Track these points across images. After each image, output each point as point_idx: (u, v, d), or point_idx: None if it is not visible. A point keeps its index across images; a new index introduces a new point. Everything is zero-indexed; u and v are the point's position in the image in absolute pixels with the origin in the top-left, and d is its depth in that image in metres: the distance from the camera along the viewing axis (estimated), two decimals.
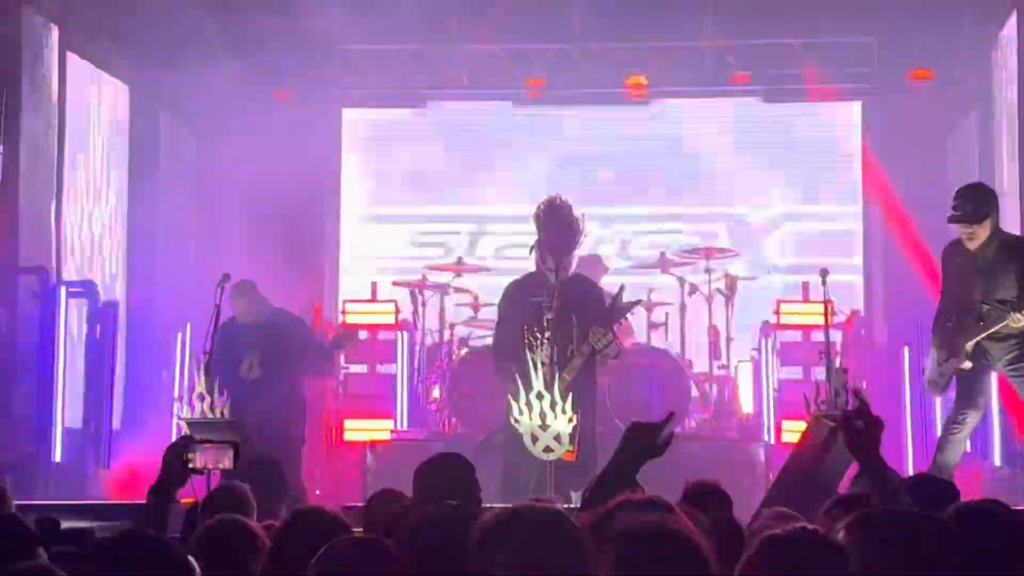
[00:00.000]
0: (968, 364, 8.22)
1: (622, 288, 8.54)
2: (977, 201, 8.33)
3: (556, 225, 8.63)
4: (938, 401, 11.18)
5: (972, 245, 8.28)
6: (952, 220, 8.34)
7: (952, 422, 8.35)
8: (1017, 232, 9.73)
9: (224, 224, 13.25)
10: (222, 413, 7.68)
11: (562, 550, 3.01)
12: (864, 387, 11.44)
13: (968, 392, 8.29)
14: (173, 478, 4.54)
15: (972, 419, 8.36)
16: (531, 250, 8.89)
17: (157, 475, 4.60)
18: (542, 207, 8.77)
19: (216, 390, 7.69)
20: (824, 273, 8.84)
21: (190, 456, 4.52)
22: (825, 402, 7.42)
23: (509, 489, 8.26)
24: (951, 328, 8.29)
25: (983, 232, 8.23)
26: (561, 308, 8.35)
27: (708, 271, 12.22)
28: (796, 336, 12.40)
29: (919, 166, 13.38)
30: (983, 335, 8.15)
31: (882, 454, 4.42)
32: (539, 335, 8.21)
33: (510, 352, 8.51)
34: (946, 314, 8.45)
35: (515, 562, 2.97)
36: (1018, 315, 7.99)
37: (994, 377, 8.57)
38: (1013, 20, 11.88)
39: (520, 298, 8.80)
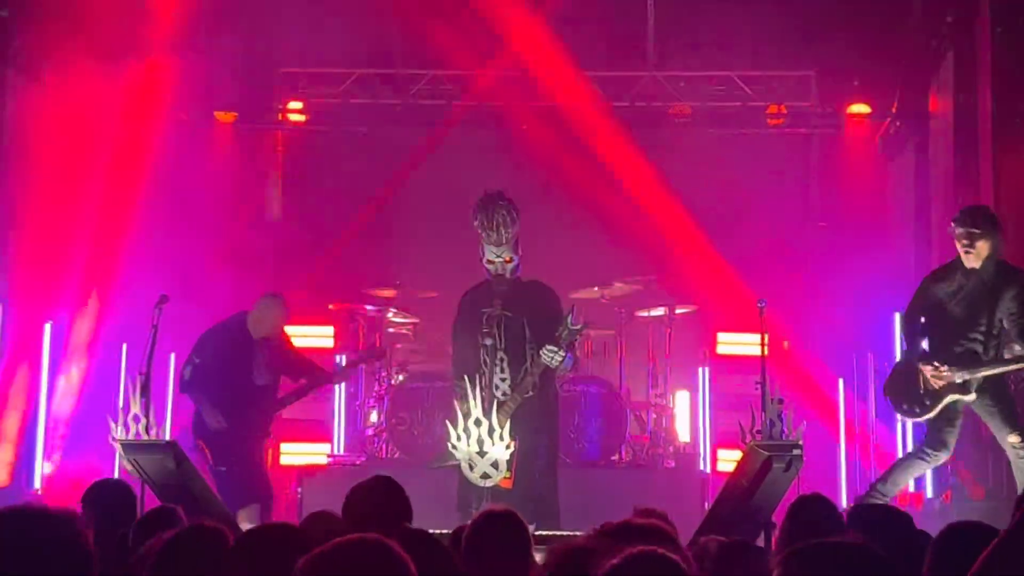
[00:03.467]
0: (972, 396, 8.18)
1: (572, 308, 8.33)
2: (977, 216, 8.33)
3: (488, 215, 8.37)
4: (872, 432, 11.31)
5: (969, 261, 8.19)
6: (956, 228, 8.25)
7: (922, 451, 8.30)
8: None
9: (161, 244, 13.15)
10: (157, 434, 7.63)
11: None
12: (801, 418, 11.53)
13: (944, 430, 8.23)
14: None
15: (941, 458, 8.34)
16: (480, 256, 8.61)
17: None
18: (475, 204, 8.52)
19: (152, 411, 7.64)
20: (762, 303, 8.87)
21: None
22: (760, 432, 7.45)
23: (464, 508, 8.14)
24: (936, 355, 8.20)
25: (984, 248, 8.17)
26: (512, 318, 8.24)
27: (647, 300, 12.28)
28: (733, 366, 12.49)
29: (857, 197, 13.55)
30: (994, 372, 8.08)
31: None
32: (487, 354, 8.14)
33: (462, 372, 8.30)
34: (914, 334, 8.37)
35: None
36: None
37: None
38: (950, 58, 12.07)
39: (470, 310, 8.51)
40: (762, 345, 8.69)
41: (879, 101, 13.82)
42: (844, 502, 10.80)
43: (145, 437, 7.63)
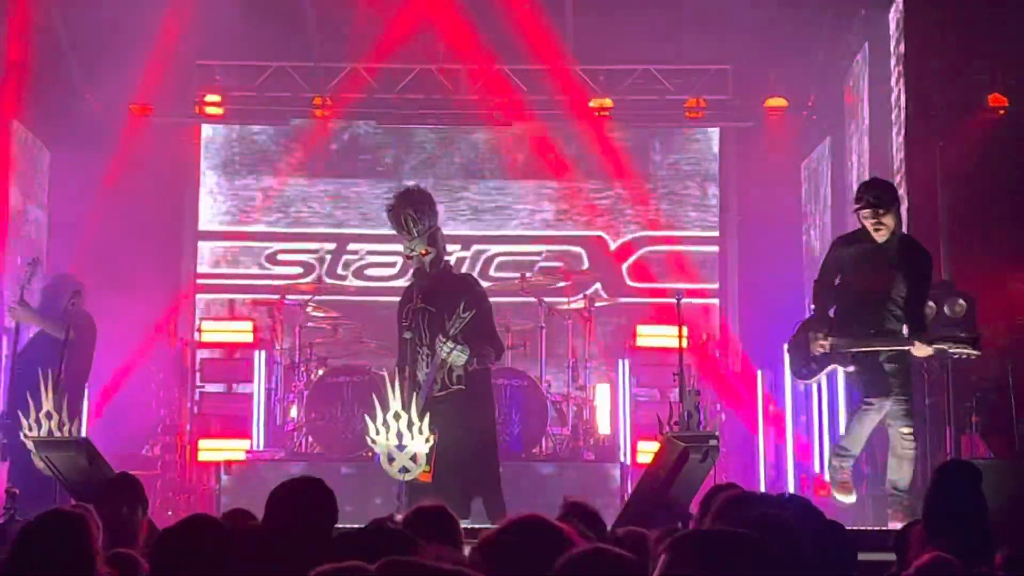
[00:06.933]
0: (852, 368, 8.27)
1: (465, 301, 8.28)
2: (885, 190, 8.39)
3: (394, 210, 8.36)
4: (789, 423, 11.42)
5: (880, 236, 8.23)
6: (863, 207, 8.26)
7: (865, 405, 8.23)
8: None
9: (77, 239, 13.00)
10: (71, 431, 7.53)
11: None
12: (719, 410, 11.63)
13: (872, 379, 8.19)
14: None
15: (885, 404, 8.22)
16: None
17: None
18: (391, 201, 8.52)
19: (64, 407, 7.54)
20: (679, 296, 8.91)
21: None
22: (678, 423, 7.49)
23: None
24: (836, 321, 8.31)
25: (890, 222, 8.22)
26: (435, 312, 8.23)
27: (567, 293, 12.31)
28: (653, 358, 12.55)
29: (774, 190, 13.67)
30: (873, 349, 8.14)
31: None
32: (409, 347, 8.15)
33: (397, 366, 8.36)
34: (823, 300, 8.46)
35: None
36: (922, 345, 7.99)
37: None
38: (865, 50, 12.20)
39: (400, 304, 8.59)
40: (679, 338, 8.74)
41: (795, 94, 13.94)
42: (762, 490, 10.88)
43: (57, 434, 7.53)
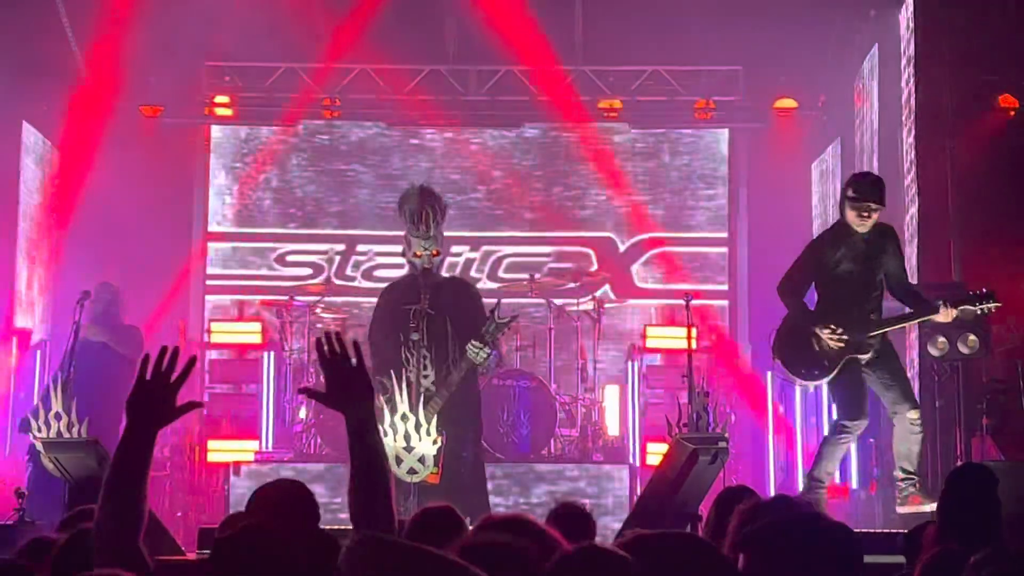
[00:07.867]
0: (869, 355, 8.22)
1: (498, 303, 8.28)
2: (883, 191, 8.44)
3: (416, 206, 8.29)
4: (799, 423, 11.41)
5: (864, 227, 8.29)
6: (871, 201, 8.28)
7: (841, 425, 8.30)
8: None
9: (87, 241, 13.01)
10: (79, 432, 7.52)
11: None
12: (728, 411, 11.59)
13: (856, 397, 8.26)
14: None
15: (861, 425, 8.31)
16: (403, 251, 8.54)
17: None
18: (401, 197, 8.51)
19: (73, 408, 7.53)
20: (688, 298, 8.88)
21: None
22: (687, 425, 7.47)
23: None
24: (833, 315, 8.29)
25: (876, 218, 8.34)
26: (435, 315, 8.21)
27: (576, 294, 12.31)
28: (662, 360, 12.55)
29: (784, 191, 13.65)
30: (903, 324, 8.24)
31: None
32: (412, 350, 8.10)
33: (384, 369, 8.17)
34: (799, 299, 8.46)
35: None
36: (952, 310, 8.11)
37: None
38: (875, 51, 12.18)
39: (393, 303, 8.46)
40: (689, 339, 8.72)
41: (805, 96, 13.93)
42: (772, 493, 10.87)
43: (67, 435, 7.53)
